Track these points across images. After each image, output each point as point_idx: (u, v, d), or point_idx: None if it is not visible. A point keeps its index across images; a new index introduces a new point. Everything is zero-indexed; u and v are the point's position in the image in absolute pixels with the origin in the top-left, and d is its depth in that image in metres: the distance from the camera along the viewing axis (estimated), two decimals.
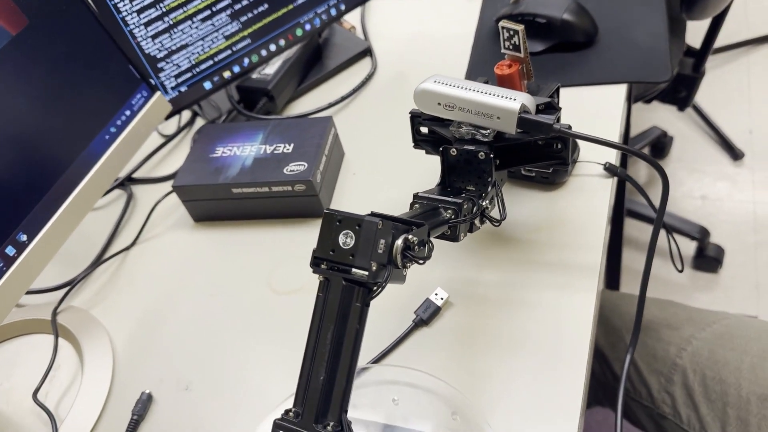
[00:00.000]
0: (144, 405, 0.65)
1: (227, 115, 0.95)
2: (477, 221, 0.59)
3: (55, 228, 0.69)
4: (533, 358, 0.59)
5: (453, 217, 0.55)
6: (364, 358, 0.62)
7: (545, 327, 0.61)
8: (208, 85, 0.90)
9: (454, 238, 0.56)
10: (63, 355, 0.72)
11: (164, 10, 0.83)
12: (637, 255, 1.63)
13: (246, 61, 0.92)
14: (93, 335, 0.72)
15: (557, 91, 0.68)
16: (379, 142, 0.86)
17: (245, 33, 0.90)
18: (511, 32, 0.63)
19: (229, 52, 0.90)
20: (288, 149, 0.78)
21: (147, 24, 0.82)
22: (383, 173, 0.81)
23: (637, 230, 1.67)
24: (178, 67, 0.87)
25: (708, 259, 1.54)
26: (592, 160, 0.74)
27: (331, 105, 0.92)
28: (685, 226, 1.56)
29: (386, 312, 0.66)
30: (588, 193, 0.72)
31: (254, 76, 0.93)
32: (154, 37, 0.83)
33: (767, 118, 1.87)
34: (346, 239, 0.43)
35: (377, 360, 0.62)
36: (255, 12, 0.89)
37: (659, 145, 1.81)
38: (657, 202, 0.72)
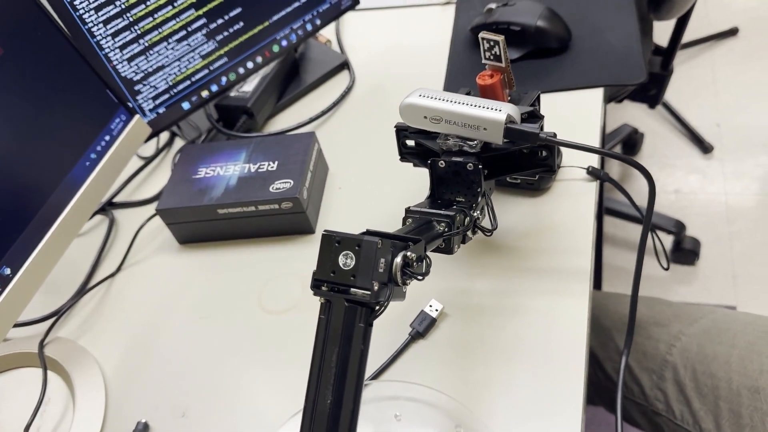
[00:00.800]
0: None
1: (207, 134, 0.95)
2: (469, 232, 0.60)
3: (40, 259, 0.67)
4: (530, 364, 0.60)
5: (447, 230, 0.56)
6: None
7: (540, 333, 0.62)
8: (186, 105, 0.89)
9: (448, 250, 0.57)
10: (52, 388, 0.70)
11: (139, 32, 0.82)
12: (616, 251, 1.66)
13: (224, 79, 0.91)
14: (82, 366, 0.71)
15: (538, 98, 0.69)
16: (363, 155, 0.86)
17: (222, 52, 0.89)
18: (492, 43, 0.64)
19: (206, 71, 0.89)
20: (272, 167, 0.78)
21: (122, 47, 0.81)
22: (369, 187, 0.81)
23: (613, 227, 1.70)
24: (156, 88, 0.86)
25: (685, 252, 1.57)
26: (574, 164, 0.75)
27: (311, 120, 0.92)
28: (662, 220, 1.59)
29: (382, 326, 0.65)
30: (573, 197, 0.73)
31: (233, 94, 0.93)
32: (129, 59, 0.82)
33: (734, 111, 1.92)
34: (346, 260, 0.43)
35: (376, 375, 0.62)
36: (231, 30, 0.89)
37: (630, 143, 1.85)
38: (638, 201, 0.74)
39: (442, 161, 0.61)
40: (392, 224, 0.55)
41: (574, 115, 0.82)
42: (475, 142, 0.61)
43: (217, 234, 0.80)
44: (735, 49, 2.10)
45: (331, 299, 0.44)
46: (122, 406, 0.67)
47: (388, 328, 0.66)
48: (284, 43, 0.95)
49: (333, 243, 0.44)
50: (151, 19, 0.82)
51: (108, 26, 0.79)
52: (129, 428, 0.64)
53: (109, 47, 0.80)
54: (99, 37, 0.79)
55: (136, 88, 0.84)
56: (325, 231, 0.44)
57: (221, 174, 0.79)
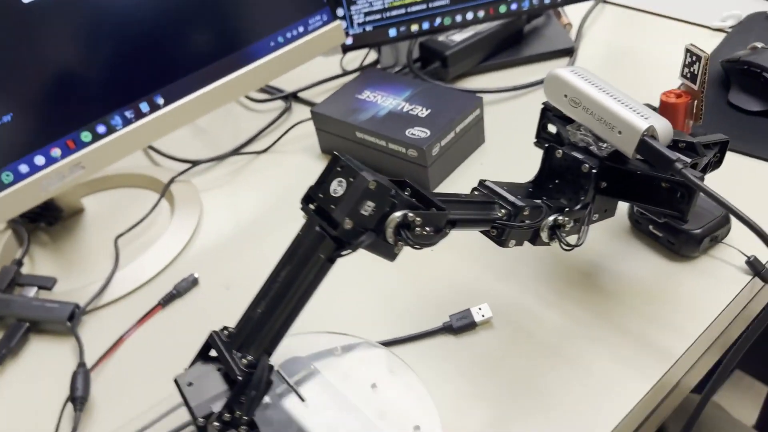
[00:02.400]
0: (187, 285, 0.68)
1: (401, 68, 0.94)
2: (545, 236, 0.52)
3: (191, 104, 0.75)
4: (548, 423, 0.51)
5: (505, 219, 0.49)
6: (377, 333, 0.59)
7: (578, 398, 0.52)
8: (393, 32, 0.90)
9: (499, 241, 0.50)
10: (158, 216, 0.79)
11: None
12: None
13: (438, 20, 0.90)
14: (189, 211, 0.78)
15: (724, 147, 0.56)
16: (524, 141, 0.79)
17: None
18: (694, 58, 0.53)
19: (424, 6, 0.88)
20: (423, 113, 0.75)
21: None
22: (511, 171, 0.75)
23: None
24: (371, 5, 0.88)
25: None
26: (738, 246, 0.60)
27: (500, 91, 0.86)
28: None
29: (422, 301, 0.61)
30: (714, 280, 0.59)
31: (440, 37, 0.91)
32: None
33: None
34: (336, 187, 0.40)
35: (388, 343, 0.58)
36: None
37: None
38: None
39: (560, 150, 0.53)
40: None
41: None
42: (606, 145, 0.53)
43: (356, 154, 0.80)
44: None
45: (310, 219, 0.42)
46: (193, 258, 0.73)
47: (427, 307, 0.61)
48: (513, 6, 0.89)
49: (336, 166, 0.42)
50: None
51: None
52: (189, 272, 0.69)
53: None
54: None
55: None
56: (336, 152, 0.42)
57: (378, 102, 0.79)
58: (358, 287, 0.65)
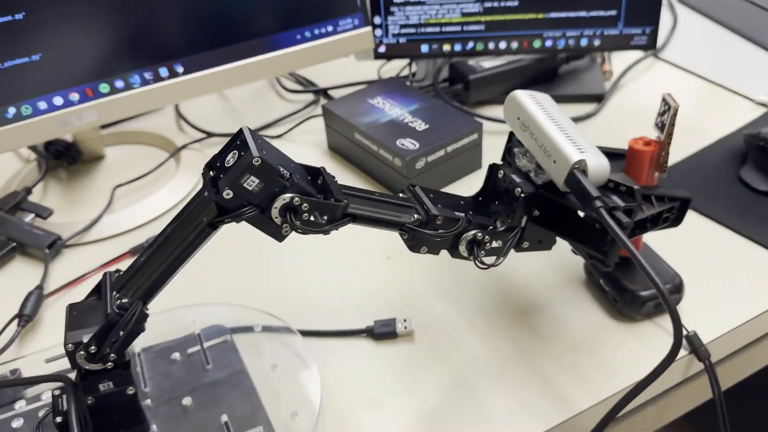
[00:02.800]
0: None
1: (428, 84, 0.96)
2: (463, 249, 0.51)
3: (207, 78, 0.79)
4: None
5: (416, 225, 0.49)
6: (304, 321, 0.60)
7: (463, 425, 0.52)
8: (425, 48, 0.92)
9: (410, 246, 0.50)
10: (163, 176, 0.84)
11: None
12: None
13: (471, 44, 0.90)
14: (190, 176, 0.82)
15: (684, 206, 0.54)
16: None
17: (483, 18, 0.88)
18: (667, 107, 0.52)
19: (458, 28, 0.90)
20: (420, 127, 0.76)
21: None
22: None
23: None
24: (407, 18, 0.90)
25: None
26: (686, 319, 0.57)
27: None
28: None
29: (357, 301, 0.63)
30: (646, 347, 0.57)
31: (470, 61, 0.92)
32: None
33: None
34: (230, 158, 0.43)
35: (308, 333, 0.60)
36: (502, 4, 0.87)
37: None
38: None
39: (502, 171, 0.53)
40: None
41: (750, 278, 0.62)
42: (545, 174, 0.52)
43: (350, 156, 0.83)
44: None
45: (204, 184, 0.44)
46: None
47: (357, 308, 0.62)
48: (549, 43, 0.89)
49: (237, 139, 0.44)
50: None
51: None
52: None
53: None
54: None
55: (392, 9, 0.89)
56: (244, 126, 0.44)
57: (384, 110, 0.80)
58: (306, 273, 0.67)
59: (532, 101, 0.53)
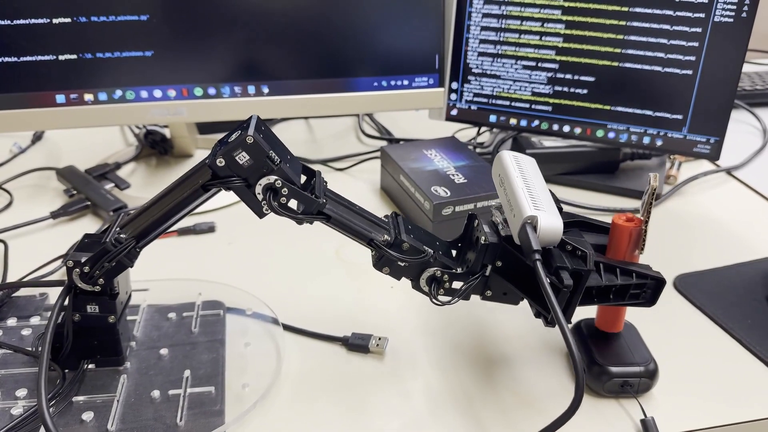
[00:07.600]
0: (204, 228, 0.82)
1: (493, 149, 1.00)
2: (423, 283, 0.55)
3: (287, 103, 0.89)
4: None
5: (383, 244, 0.53)
6: (290, 315, 0.65)
7: None
8: (492, 118, 0.97)
9: (376, 263, 0.55)
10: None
11: (501, 39, 0.92)
12: None
13: (536, 122, 0.95)
14: None
15: (659, 286, 0.54)
16: None
17: (551, 100, 0.93)
18: (651, 190, 0.54)
19: (527, 105, 0.94)
20: (459, 180, 0.81)
21: (482, 41, 0.94)
22: None
23: None
24: (481, 88, 0.96)
25: None
26: (651, 407, 0.56)
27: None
28: None
29: (345, 310, 0.67)
30: (600, 424, 0.56)
31: (533, 137, 0.96)
32: (480, 54, 0.94)
33: None
34: (234, 135, 0.50)
35: (290, 327, 0.65)
36: (571, 90, 0.91)
37: None
38: None
39: (477, 221, 0.57)
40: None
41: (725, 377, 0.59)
42: (509, 228, 0.55)
43: (394, 196, 0.89)
44: None
45: (211, 152, 0.51)
46: (234, 216, 0.86)
47: (342, 317, 0.66)
48: (611, 135, 0.91)
49: (245, 123, 0.51)
50: (516, 35, 0.92)
51: (483, 19, 0.92)
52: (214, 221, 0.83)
53: (473, 34, 0.94)
54: (472, 21, 0.93)
55: (469, 77, 0.96)
56: (254, 114, 0.52)
57: (433, 160, 0.86)
58: (313, 280, 0.72)
59: (513, 161, 0.56)
